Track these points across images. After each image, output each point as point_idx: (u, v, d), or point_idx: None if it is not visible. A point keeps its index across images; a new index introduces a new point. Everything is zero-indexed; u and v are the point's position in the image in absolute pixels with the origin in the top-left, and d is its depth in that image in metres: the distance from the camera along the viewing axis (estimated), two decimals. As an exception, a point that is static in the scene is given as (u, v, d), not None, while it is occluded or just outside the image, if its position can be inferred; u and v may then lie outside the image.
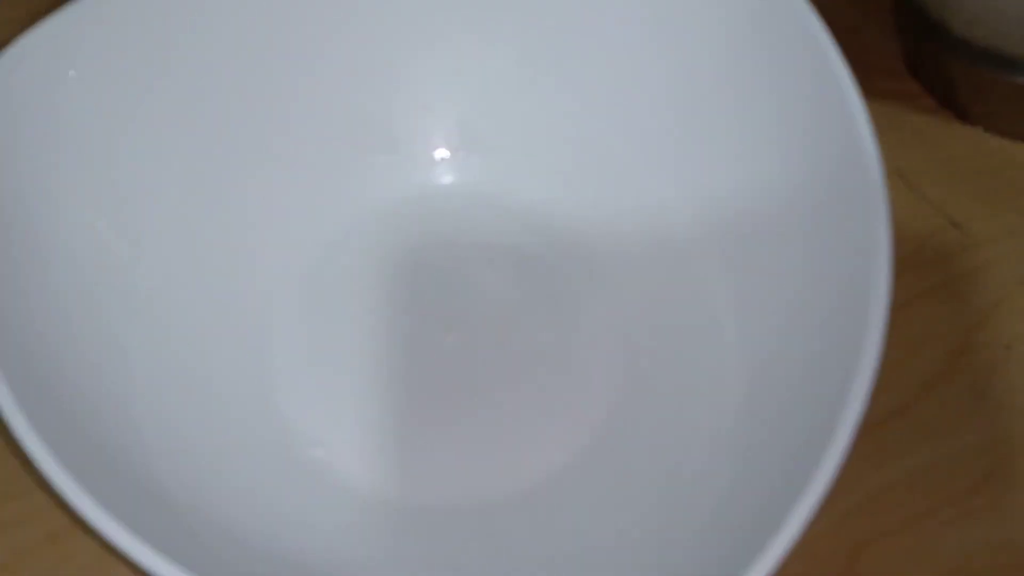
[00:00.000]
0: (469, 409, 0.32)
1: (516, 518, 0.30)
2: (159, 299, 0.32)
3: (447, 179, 0.36)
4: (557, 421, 0.31)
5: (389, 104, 0.36)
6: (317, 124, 0.35)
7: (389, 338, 0.33)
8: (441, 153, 0.36)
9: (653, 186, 0.34)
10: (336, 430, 0.31)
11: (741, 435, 0.29)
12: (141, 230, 0.32)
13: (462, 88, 0.36)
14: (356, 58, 0.35)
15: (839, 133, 0.30)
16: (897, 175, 0.35)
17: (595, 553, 0.28)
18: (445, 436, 0.32)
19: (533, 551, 0.29)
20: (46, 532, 0.29)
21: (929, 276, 0.34)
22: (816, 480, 0.24)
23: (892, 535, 0.29)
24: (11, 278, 0.28)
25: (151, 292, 0.32)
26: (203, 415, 0.31)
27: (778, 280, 0.31)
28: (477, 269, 0.35)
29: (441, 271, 0.35)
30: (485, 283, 0.34)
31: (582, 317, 0.33)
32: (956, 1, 0.35)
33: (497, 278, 0.34)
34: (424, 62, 0.36)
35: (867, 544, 0.29)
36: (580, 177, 0.35)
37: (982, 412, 0.32)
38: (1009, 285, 0.34)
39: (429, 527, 0.30)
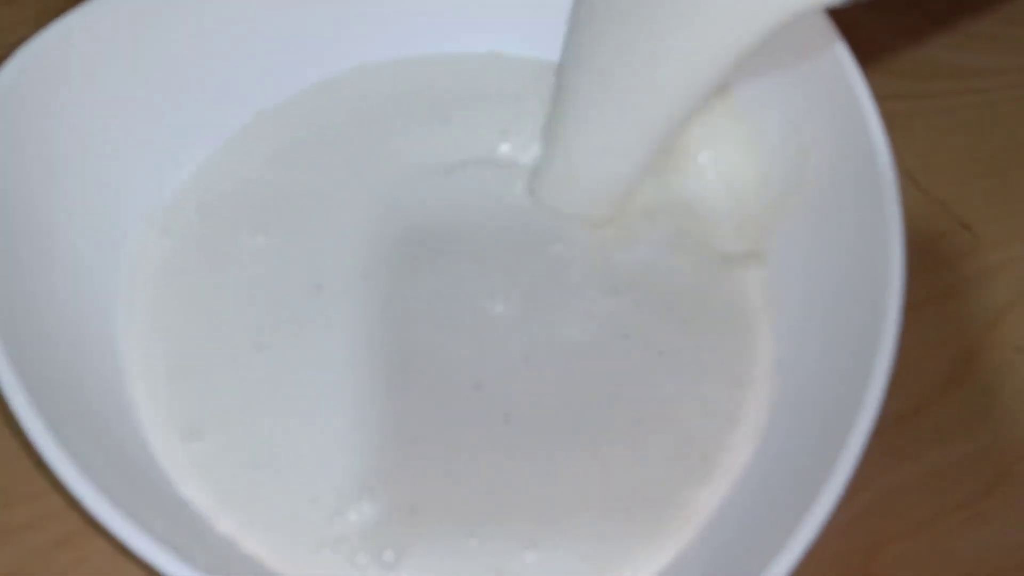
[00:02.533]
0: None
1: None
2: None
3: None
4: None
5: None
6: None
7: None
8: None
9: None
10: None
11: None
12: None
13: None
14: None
15: (851, 134, 0.30)
16: (907, 176, 0.35)
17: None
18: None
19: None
20: (59, 535, 0.28)
21: (939, 278, 0.34)
22: (832, 482, 0.24)
23: (906, 537, 0.29)
24: (21, 276, 0.28)
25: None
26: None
27: (793, 281, 0.31)
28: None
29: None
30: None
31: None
32: None
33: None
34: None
35: (881, 546, 0.29)
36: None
37: (994, 414, 0.32)
38: (1020, 287, 0.34)
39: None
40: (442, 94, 0.36)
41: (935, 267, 0.34)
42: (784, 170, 0.33)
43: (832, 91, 0.31)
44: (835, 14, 0.31)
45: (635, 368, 0.31)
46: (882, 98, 0.30)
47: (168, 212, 0.33)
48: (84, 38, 0.31)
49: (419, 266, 0.32)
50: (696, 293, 0.32)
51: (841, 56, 0.31)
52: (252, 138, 0.35)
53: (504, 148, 0.35)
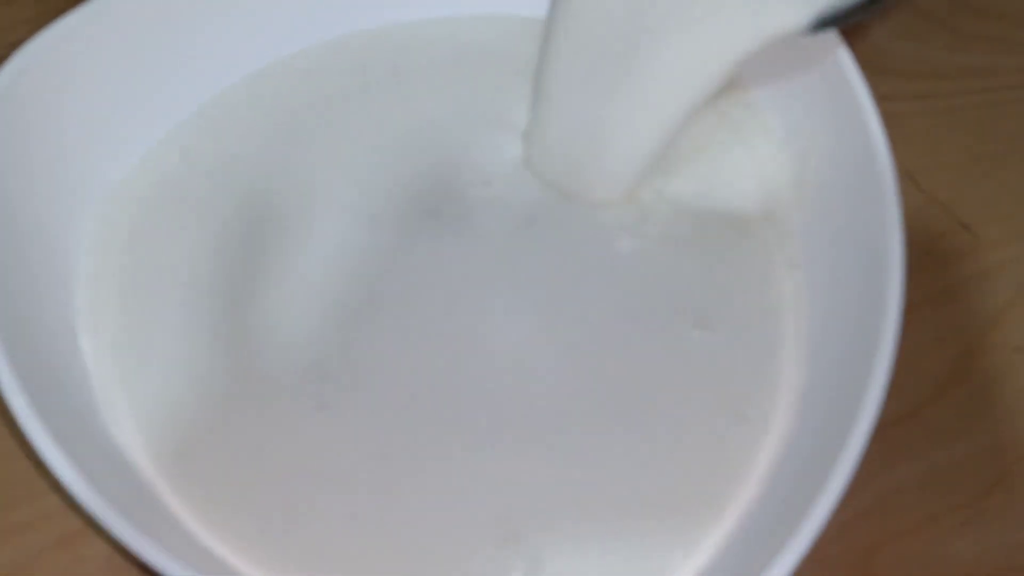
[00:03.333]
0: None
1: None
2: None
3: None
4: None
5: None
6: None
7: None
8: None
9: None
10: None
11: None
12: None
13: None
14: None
15: (851, 134, 0.30)
16: (907, 176, 0.35)
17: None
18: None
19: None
20: (58, 535, 0.28)
21: (939, 278, 0.34)
22: (832, 483, 0.24)
23: (905, 537, 0.29)
24: (20, 275, 0.28)
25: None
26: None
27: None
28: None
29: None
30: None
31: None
32: None
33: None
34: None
35: (880, 546, 0.29)
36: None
37: (993, 415, 0.32)
38: (1019, 287, 0.34)
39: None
40: (434, 58, 0.36)
41: (935, 267, 0.34)
42: (785, 170, 0.33)
43: (832, 91, 0.31)
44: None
45: (652, 362, 0.30)
46: (882, 98, 0.30)
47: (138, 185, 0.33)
48: (84, 38, 0.31)
49: (413, 234, 0.32)
50: (697, 287, 0.32)
51: (841, 56, 0.31)
52: (238, 105, 0.35)
53: (497, 112, 0.34)
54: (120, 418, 0.29)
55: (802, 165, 0.32)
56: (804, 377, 0.29)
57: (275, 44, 0.35)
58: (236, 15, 0.34)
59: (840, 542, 0.29)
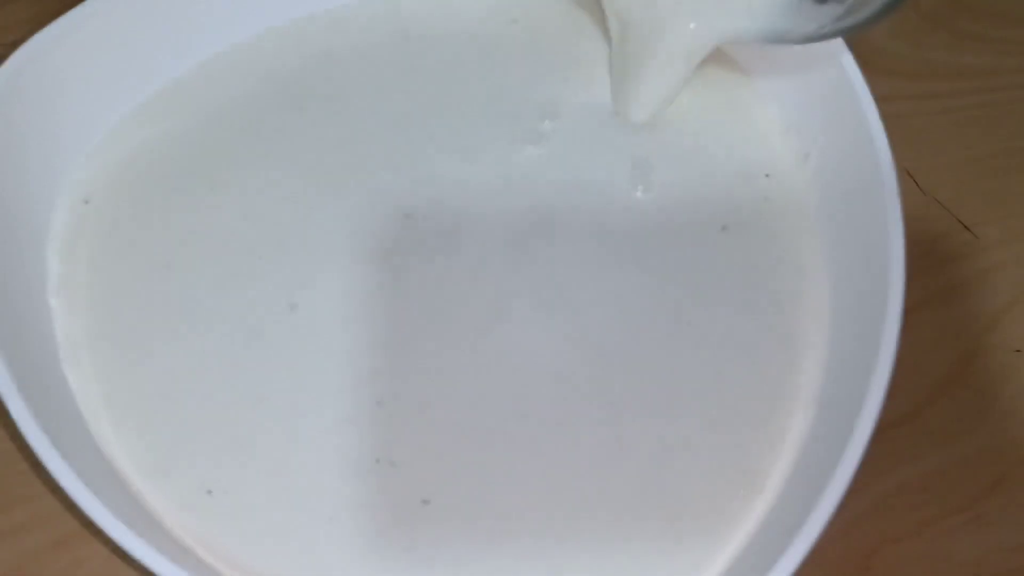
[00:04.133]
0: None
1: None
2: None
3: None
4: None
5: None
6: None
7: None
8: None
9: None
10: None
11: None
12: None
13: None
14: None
15: (852, 134, 0.30)
16: (907, 176, 0.35)
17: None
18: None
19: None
20: (55, 537, 0.28)
21: (939, 279, 0.34)
22: (833, 485, 0.24)
23: (904, 539, 0.29)
24: (18, 278, 0.28)
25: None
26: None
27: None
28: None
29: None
30: None
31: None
32: None
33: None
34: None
35: (879, 548, 0.29)
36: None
37: (993, 416, 0.31)
38: (1019, 288, 0.34)
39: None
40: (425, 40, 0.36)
41: (935, 268, 0.34)
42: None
43: (833, 91, 0.31)
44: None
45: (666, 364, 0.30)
46: (882, 98, 0.30)
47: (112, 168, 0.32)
48: (83, 38, 0.31)
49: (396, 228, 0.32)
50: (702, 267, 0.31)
51: (842, 56, 0.31)
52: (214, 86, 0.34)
53: (489, 101, 0.34)
54: (101, 420, 0.28)
55: (802, 165, 0.32)
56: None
57: (261, 22, 0.35)
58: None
59: (841, 543, 0.29)
